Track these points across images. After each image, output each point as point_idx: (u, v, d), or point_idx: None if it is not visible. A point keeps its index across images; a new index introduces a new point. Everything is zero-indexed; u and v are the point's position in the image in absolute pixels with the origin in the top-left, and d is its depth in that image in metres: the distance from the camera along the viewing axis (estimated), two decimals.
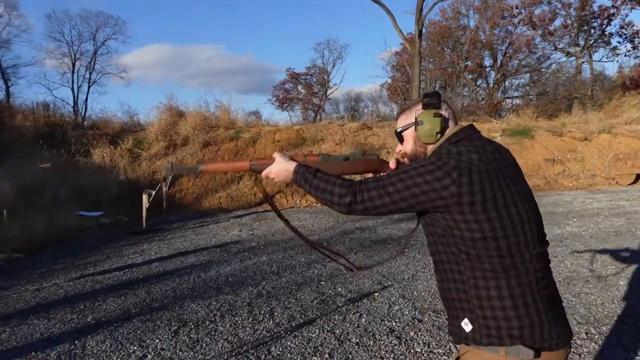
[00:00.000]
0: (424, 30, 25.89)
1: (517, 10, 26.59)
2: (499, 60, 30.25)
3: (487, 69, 31.76)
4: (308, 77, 40.48)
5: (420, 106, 1.46)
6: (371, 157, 1.65)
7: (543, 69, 28.34)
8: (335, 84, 39.56)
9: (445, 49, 32.79)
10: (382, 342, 3.38)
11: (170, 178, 10.63)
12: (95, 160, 13.85)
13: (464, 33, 30.75)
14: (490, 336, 1.26)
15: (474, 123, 16.33)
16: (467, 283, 1.29)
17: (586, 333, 3.41)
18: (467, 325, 1.30)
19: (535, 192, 11.75)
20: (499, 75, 30.25)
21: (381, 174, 1.50)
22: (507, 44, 29.64)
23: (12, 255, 7.20)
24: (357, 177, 1.48)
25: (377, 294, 4.48)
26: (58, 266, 6.43)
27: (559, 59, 27.65)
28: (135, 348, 3.44)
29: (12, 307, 4.62)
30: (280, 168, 1.55)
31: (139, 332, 3.76)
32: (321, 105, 39.12)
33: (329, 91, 39.17)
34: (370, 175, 1.63)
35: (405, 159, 1.55)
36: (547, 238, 1.42)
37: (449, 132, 1.42)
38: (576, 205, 9.45)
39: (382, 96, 37.83)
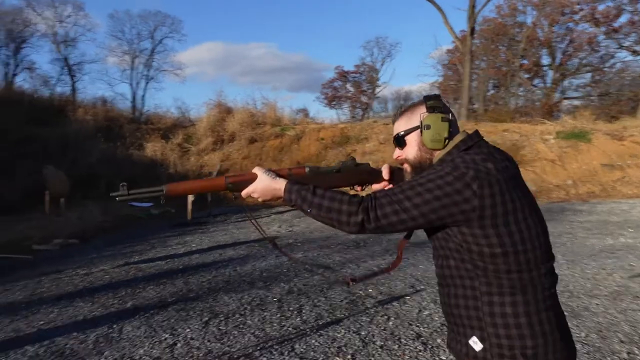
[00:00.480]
0: (476, 27, 25.14)
1: (579, 6, 25.19)
2: (557, 59, 28.81)
3: (545, 68, 30.33)
4: (357, 75, 40.35)
5: (423, 108, 1.36)
6: (364, 167, 1.54)
7: (606, 69, 26.68)
8: (384, 82, 39.23)
9: (500, 47, 31.62)
10: (407, 347, 3.33)
11: (215, 173, 10.95)
12: (148, 153, 14.50)
13: (521, 30, 29.48)
14: (502, 356, 1.20)
15: (528, 124, 15.59)
16: (480, 299, 1.22)
17: (628, 353, 3.20)
18: (476, 344, 1.23)
19: (589, 198, 11.19)
20: (557, 75, 28.81)
21: (390, 187, 1.38)
22: (567, 42, 28.18)
23: (68, 241, 7.70)
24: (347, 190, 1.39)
25: (408, 298, 4.42)
26: (107, 253, 6.81)
27: (624, 57, 25.90)
28: (167, 336, 3.59)
29: (62, 289, 4.95)
30: (265, 186, 1.37)
31: (172, 320, 3.92)
32: (369, 104, 38.90)
33: (377, 89, 38.88)
34: (359, 188, 1.55)
35: (406, 166, 1.43)
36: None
37: (457, 138, 1.34)
38: (634, 215, 8.85)
39: None
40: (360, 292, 4.63)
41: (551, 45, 28.74)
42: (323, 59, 62.44)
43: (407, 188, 1.22)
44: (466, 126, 15.84)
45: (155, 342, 3.48)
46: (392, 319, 3.89)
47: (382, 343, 3.40)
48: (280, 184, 1.35)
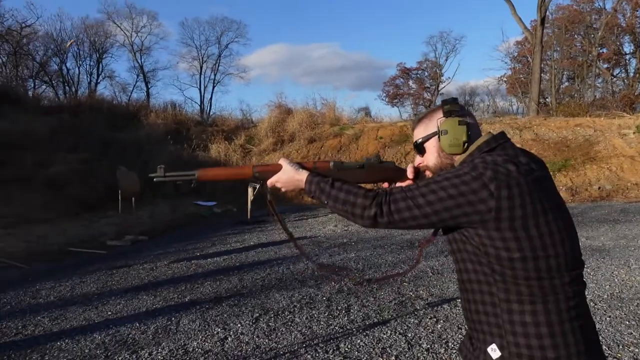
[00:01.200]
0: (549, 16, 23.71)
1: None
2: None
3: (627, 57, 28.02)
4: (419, 71, 39.55)
5: (440, 114, 1.34)
6: (388, 165, 1.53)
7: None
8: (448, 77, 38.08)
9: (576, 35, 29.62)
10: (454, 351, 3.25)
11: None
12: (212, 154, 15.18)
13: (599, 17, 27.43)
14: None
15: (604, 118, 14.46)
16: (499, 306, 1.19)
17: None
18: (494, 352, 1.20)
19: None
20: None
21: (408, 184, 1.38)
22: None
23: (138, 238, 8.27)
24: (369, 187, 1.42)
25: (459, 300, 4.29)
26: (172, 249, 7.24)
27: None
28: (219, 330, 3.77)
29: (130, 282, 5.34)
30: (289, 177, 1.42)
31: (225, 315, 4.11)
32: (432, 100, 37.94)
33: (441, 85, 37.84)
34: (385, 185, 1.55)
35: (428, 172, 1.41)
36: (582, 258, 1.27)
37: (480, 140, 1.30)
38: None
39: (499, 90, 35.46)
40: (411, 293, 4.57)
41: (635, 31, 26.47)
42: (385, 56, 61.96)
43: (423, 185, 1.22)
44: (534, 122, 15.00)
45: (208, 335, 3.66)
46: (441, 321, 3.81)
47: (429, 346, 3.35)
48: (302, 176, 1.39)
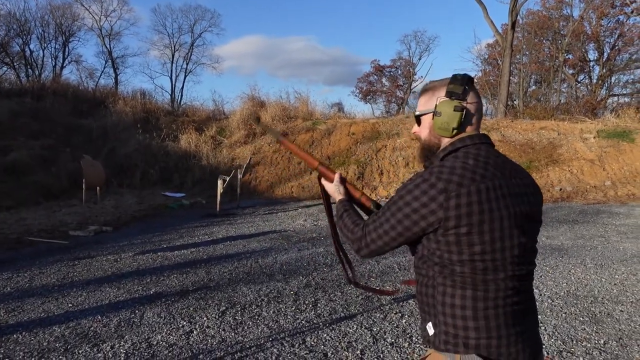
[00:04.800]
0: (519, 21, 24.31)
1: None
2: (605, 54, 27.52)
3: (591, 64, 29.05)
4: (393, 69, 39.92)
5: (443, 91, 1.35)
6: None
7: None
8: (421, 76, 38.58)
9: (544, 40, 30.49)
10: (418, 346, 3.32)
11: (245, 166, 11.14)
12: (182, 145, 14.90)
13: (567, 24, 28.32)
14: (447, 342, 1.26)
15: (568, 122, 14.96)
16: (436, 289, 1.28)
17: None
18: (430, 329, 1.32)
19: (628, 201, 10.68)
20: (604, 71, 27.53)
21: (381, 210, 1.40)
22: (616, 36, 26.89)
23: (102, 228, 8.05)
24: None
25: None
26: (137, 241, 7.09)
27: None
28: (184, 323, 3.72)
29: (92, 274, 5.20)
30: (332, 193, 1.67)
31: (191, 308, 4.06)
32: (404, 99, 38.39)
33: (413, 84, 38.32)
34: None
35: (418, 144, 1.48)
36: (535, 260, 1.35)
37: (466, 133, 1.34)
38: None
39: None
40: (377, 288, 4.63)
41: (599, 39, 27.48)
42: (360, 52, 62.10)
43: (386, 209, 1.32)
44: (502, 123, 15.40)
45: (173, 328, 3.61)
46: (406, 316, 3.88)
47: (393, 340, 3.41)
48: (337, 197, 1.62)
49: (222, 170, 13.05)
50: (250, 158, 12.05)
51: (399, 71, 39.88)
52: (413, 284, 1.71)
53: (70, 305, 4.16)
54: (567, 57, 28.50)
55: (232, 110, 17.49)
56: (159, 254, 6.16)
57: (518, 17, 22.20)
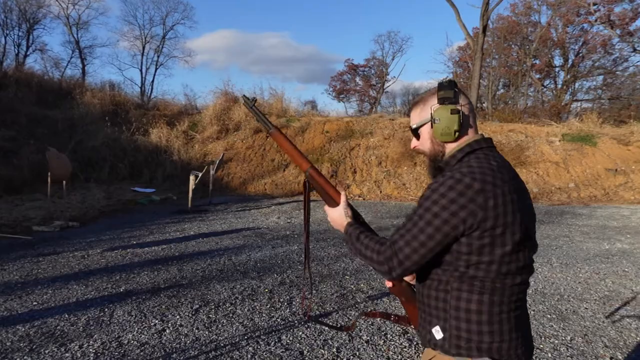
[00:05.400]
0: (490, 25, 24.84)
1: (595, 7, 24.83)
2: (570, 61, 28.50)
3: (557, 69, 30.03)
4: (366, 69, 40.15)
5: (434, 99, 1.35)
6: None
7: (619, 72, 26.35)
8: (394, 77, 39.00)
9: (513, 45, 31.30)
10: (393, 343, 3.35)
11: (217, 162, 10.99)
12: (153, 139, 14.56)
13: (534, 30, 29.17)
14: (459, 347, 1.26)
15: (534, 125, 15.45)
16: (450, 293, 1.28)
17: (611, 357, 3.21)
18: (438, 333, 1.30)
19: (590, 202, 11.12)
20: (568, 76, 28.50)
21: (403, 225, 1.33)
22: (580, 43, 27.85)
23: (68, 224, 7.78)
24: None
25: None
26: (106, 237, 6.89)
27: (637, 61, 25.66)
28: (156, 322, 3.64)
29: (58, 271, 5.02)
30: (337, 218, 1.51)
31: (163, 306, 3.97)
32: (377, 98, 38.70)
33: (386, 84, 38.66)
34: None
35: (425, 157, 1.45)
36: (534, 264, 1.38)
37: (471, 137, 1.34)
38: (633, 221, 8.79)
39: None
40: (352, 286, 4.66)
41: (564, 46, 28.42)
42: (334, 51, 62.17)
43: (417, 219, 1.24)
44: None
45: (145, 327, 3.53)
46: None
47: (368, 338, 3.43)
48: (344, 222, 1.48)
49: (194, 165, 12.83)
50: (223, 154, 11.89)
51: (373, 71, 40.15)
52: (375, 316, 1.73)
53: (35, 303, 4.00)
54: (534, 62, 29.34)
55: (205, 105, 17.25)
56: (128, 250, 6.00)
57: (489, 21, 22.70)
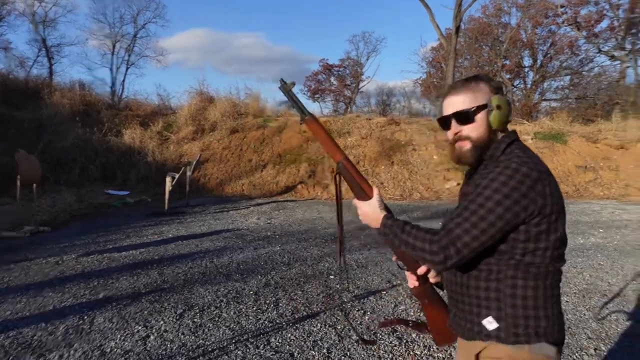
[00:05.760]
0: (462, 26, 25.29)
1: (562, 9, 25.60)
2: (538, 61, 29.27)
3: (526, 69, 30.79)
4: (341, 69, 40.26)
5: (484, 86, 1.34)
6: None
7: (585, 72, 27.24)
8: (369, 77, 39.24)
9: (484, 46, 31.95)
10: (383, 342, 3.34)
11: (194, 163, 10.79)
12: (126, 140, 14.20)
13: (505, 31, 29.83)
14: (517, 335, 1.26)
15: (508, 124, 15.93)
16: (504, 282, 1.27)
17: (595, 349, 3.27)
18: (491, 324, 1.29)
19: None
20: (537, 77, 29.28)
21: (457, 212, 1.28)
22: (548, 44, 28.64)
23: (39, 228, 7.49)
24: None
25: (384, 292, 4.43)
26: (80, 241, 6.65)
27: (602, 62, 26.57)
28: (139, 328, 3.52)
29: (31, 278, 4.81)
30: (370, 212, 1.45)
31: (145, 312, 3.85)
32: (352, 98, 38.87)
33: (361, 84, 38.86)
34: None
35: (465, 143, 1.36)
36: None
37: (506, 131, 1.37)
38: (604, 216, 9.08)
39: (415, 92, 37.26)
40: (337, 286, 4.63)
41: (533, 47, 29.18)
42: (309, 51, 62.08)
43: (477, 208, 1.22)
44: None
45: (127, 334, 3.40)
46: (369, 313, 3.89)
47: (358, 337, 3.40)
48: (379, 216, 1.42)
49: (170, 167, 12.58)
50: (200, 155, 11.69)
51: (347, 70, 40.29)
52: (393, 324, 1.70)
53: (8, 312, 3.81)
54: (504, 62, 30.03)
55: (180, 105, 16.93)
56: (105, 255, 5.81)
57: (461, 22, 23.10)
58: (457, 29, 21.65)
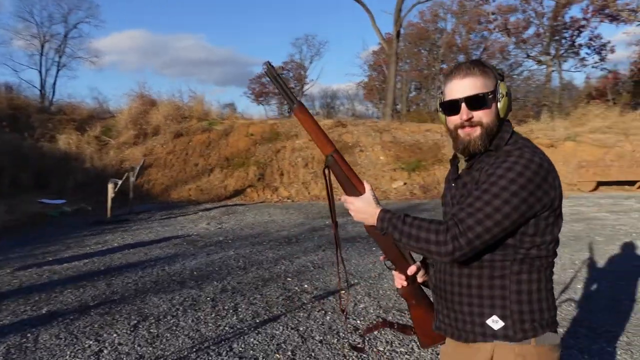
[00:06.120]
0: (402, 31, 26.12)
1: (493, 16, 27.13)
2: None
3: None
4: (285, 72, 40.25)
5: (493, 74, 1.27)
6: None
7: (515, 76, 29.01)
8: (312, 80, 39.52)
9: (422, 50, 33.18)
10: (346, 340, 3.37)
11: (138, 168, 10.35)
12: (61, 146, 13.37)
13: (441, 36, 31.17)
14: (525, 330, 1.22)
15: None
16: (508, 278, 1.23)
17: None
18: (496, 323, 1.23)
19: None
20: None
21: (469, 201, 1.21)
22: (482, 49, 30.23)
23: None
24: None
25: (343, 292, 4.47)
26: (14, 255, 6.18)
27: (530, 66, 28.43)
28: (91, 342, 3.32)
29: None
30: (364, 207, 1.34)
31: (96, 325, 3.64)
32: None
33: (305, 87, 39.06)
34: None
35: (475, 129, 1.27)
36: None
37: (505, 121, 1.32)
38: None
39: (358, 95, 37.97)
40: (296, 288, 4.62)
41: (468, 51, 30.67)
42: (252, 53, 61.55)
43: (491, 198, 1.16)
44: (392, 125, 16.39)
45: (78, 349, 3.20)
46: (329, 313, 3.91)
47: (321, 338, 3.41)
48: (375, 210, 1.32)
49: (110, 173, 11.97)
50: (144, 160, 11.23)
51: (291, 74, 40.35)
52: (377, 328, 1.64)
53: None
54: (442, 66, 31.36)
55: (119, 108, 16.18)
56: (44, 268, 5.42)
57: (401, 27, 23.86)
58: (398, 33, 22.33)
